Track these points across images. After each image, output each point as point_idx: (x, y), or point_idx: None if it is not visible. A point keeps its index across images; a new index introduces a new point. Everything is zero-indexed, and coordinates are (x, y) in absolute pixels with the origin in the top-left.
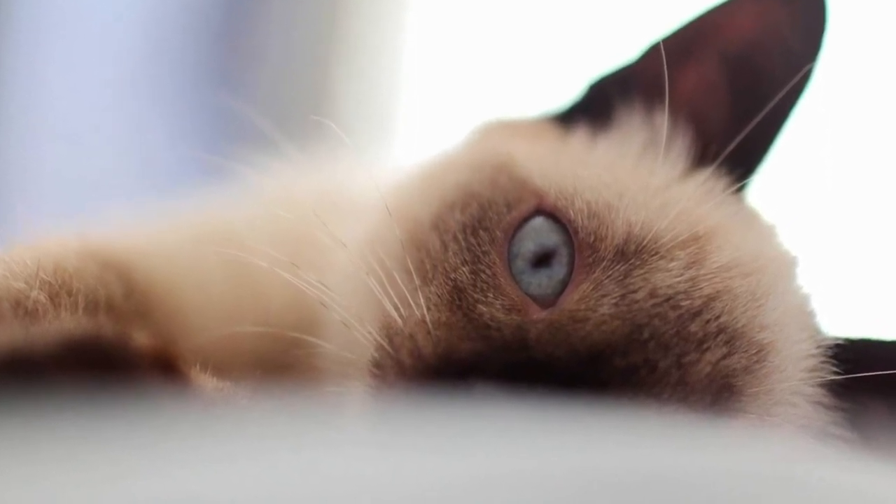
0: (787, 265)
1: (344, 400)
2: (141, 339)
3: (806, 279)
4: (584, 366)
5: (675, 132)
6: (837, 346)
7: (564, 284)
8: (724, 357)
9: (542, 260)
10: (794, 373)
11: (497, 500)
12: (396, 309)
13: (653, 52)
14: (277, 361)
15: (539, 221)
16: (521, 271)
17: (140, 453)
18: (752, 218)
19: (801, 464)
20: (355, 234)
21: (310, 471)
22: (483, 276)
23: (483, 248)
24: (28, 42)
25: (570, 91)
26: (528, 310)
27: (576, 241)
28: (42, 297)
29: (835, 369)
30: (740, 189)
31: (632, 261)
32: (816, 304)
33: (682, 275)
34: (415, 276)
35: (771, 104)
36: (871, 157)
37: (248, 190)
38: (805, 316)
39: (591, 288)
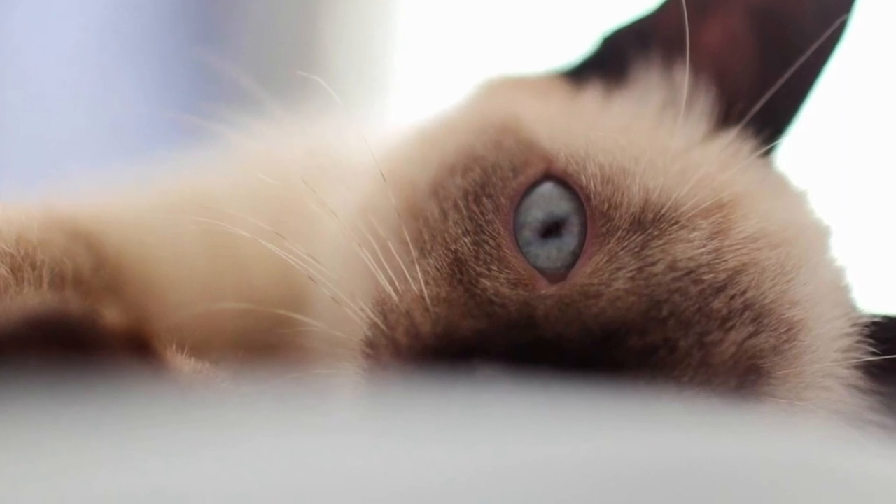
0: (819, 235)
1: (334, 383)
2: (111, 316)
3: (840, 250)
4: (598, 346)
5: (697, 90)
6: (875, 323)
7: (575, 256)
8: (751, 336)
9: (551, 229)
10: (827, 353)
11: (502, 495)
12: (392, 283)
13: (673, 1)
14: (261, 341)
15: (548, 187)
16: (528, 242)
17: (109, 442)
18: (781, 184)
19: (834, 453)
20: (346, 201)
21: (295, 463)
22: (486, 247)
23: (486, 217)
24: None
25: (582, 45)
26: (536, 284)
27: (588, 209)
28: (3, 271)
29: (872, 349)
30: (768, 152)
31: (649, 230)
32: (852, 278)
33: (704, 246)
34: (412, 248)
35: (801, 59)
36: None
37: (228, 153)
38: (839, 291)
39: (604, 260)
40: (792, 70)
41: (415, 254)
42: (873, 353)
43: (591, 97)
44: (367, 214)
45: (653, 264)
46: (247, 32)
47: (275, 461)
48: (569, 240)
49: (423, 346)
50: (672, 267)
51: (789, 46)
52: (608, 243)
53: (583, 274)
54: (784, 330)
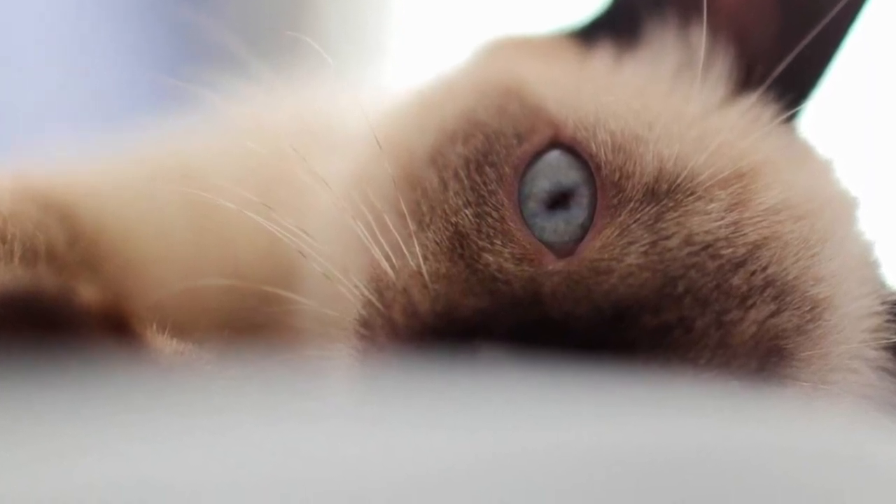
0: (845, 207)
1: (326, 365)
2: (88, 293)
3: (868, 223)
4: (608, 325)
5: (715, 52)
6: None
7: (585, 230)
8: (773, 315)
9: (559, 201)
10: (854, 333)
11: (503, 484)
12: (387, 258)
13: None
14: (248, 320)
15: (555, 156)
16: (534, 214)
17: (86, 428)
18: (804, 152)
19: (859, 439)
20: (339, 170)
21: (286, 451)
22: (489, 219)
23: (489, 188)
24: None
25: (591, 3)
26: (542, 259)
27: (598, 179)
28: None
29: None
30: (791, 118)
31: (664, 202)
32: (881, 253)
33: (722, 218)
34: (409, 220)
35: (826, 19)
36: None
37: (213, 119)
38: (867, 267)
39: (615, 234)
40: (816, 30)
41: (412, 227)
42: None
43: (602, 59)
44: (361, 184)
45: (667, 238)
46: None
47: (264, 449)
48: (577, 212)
49: (422, 326)
50: (688, 241)
51: (813, 4)
52: (619, 215)
53: (592, 248)
54: (808, 308)
